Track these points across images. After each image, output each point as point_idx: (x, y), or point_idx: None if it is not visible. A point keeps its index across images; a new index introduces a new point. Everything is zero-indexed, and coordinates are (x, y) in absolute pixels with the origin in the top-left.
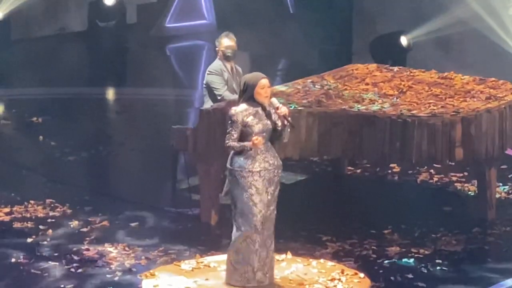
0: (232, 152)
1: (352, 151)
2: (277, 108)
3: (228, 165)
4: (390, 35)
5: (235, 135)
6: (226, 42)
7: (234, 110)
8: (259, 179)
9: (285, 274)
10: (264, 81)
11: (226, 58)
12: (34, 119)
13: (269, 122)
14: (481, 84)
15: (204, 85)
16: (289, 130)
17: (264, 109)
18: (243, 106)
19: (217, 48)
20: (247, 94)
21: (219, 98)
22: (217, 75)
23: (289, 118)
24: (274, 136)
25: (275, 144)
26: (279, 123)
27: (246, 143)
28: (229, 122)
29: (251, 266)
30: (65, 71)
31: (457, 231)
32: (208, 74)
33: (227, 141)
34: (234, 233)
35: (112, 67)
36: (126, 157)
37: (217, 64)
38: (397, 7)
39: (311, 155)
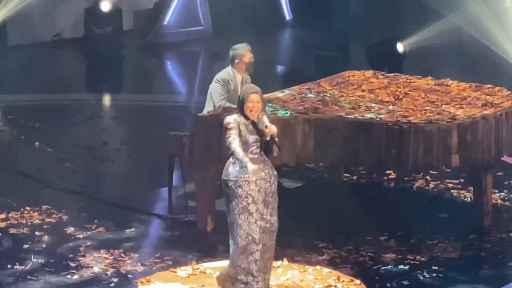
0: (227, 162)
1: (348, 158)
2: (266, 127)
3: (223, 176)
4: (386, 41)
5: (237, 138)
6: (249, 54)
7: (228, 118)
8: (255, 188)
9: (281, 281)
10: (253, 96)
11: (247, 70)
12: (31, 125)
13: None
14: (477, 90)
15: (209, 91)
16: (277, 148)
17: (253, 122)
18: (235, 116)
19: (236, 60)
20: (240, 105)
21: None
22: (222, 85)
23: (276, 139)
24: (265, 148)
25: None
26: (266, 137)
27: (246, 159)
28: (227, 129)
29: (251, 276)
30: (62, 77)
31: (453, 237)
32: (214, 82)
33: (232, 144)
34: (231, 244)
35: (109, 73)
36: (122, 163)
37: (226, 73)
38: (393, 14)
39: (307, 162)
